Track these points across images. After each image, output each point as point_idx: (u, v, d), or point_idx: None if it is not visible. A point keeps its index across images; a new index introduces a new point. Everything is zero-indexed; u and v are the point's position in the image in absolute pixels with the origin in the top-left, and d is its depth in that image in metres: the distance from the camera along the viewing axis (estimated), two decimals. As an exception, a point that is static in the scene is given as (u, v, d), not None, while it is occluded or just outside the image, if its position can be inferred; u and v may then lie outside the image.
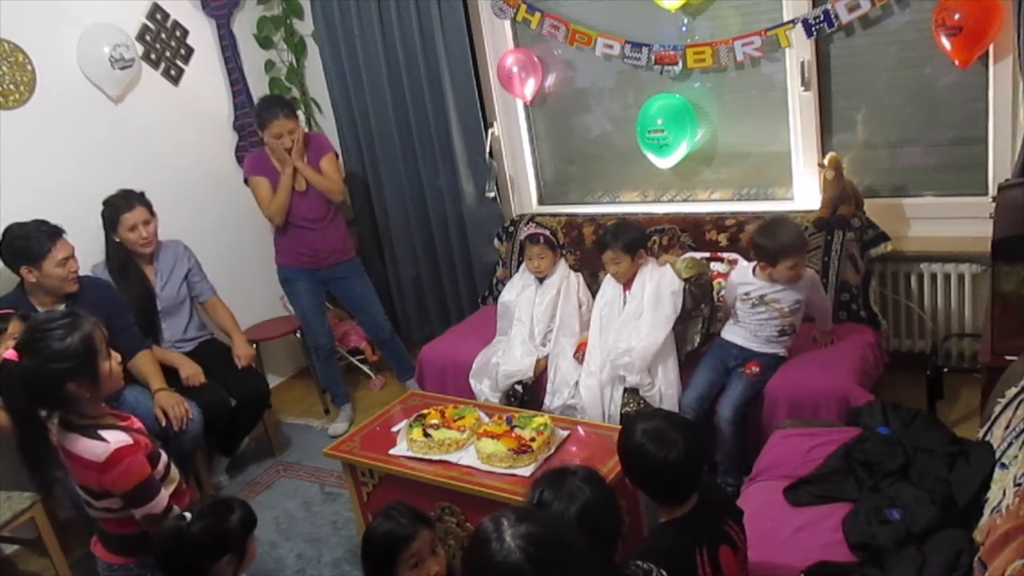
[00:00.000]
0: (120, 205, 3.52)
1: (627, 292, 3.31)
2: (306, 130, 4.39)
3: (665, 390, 3.18)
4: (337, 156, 4.00)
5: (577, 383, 3.34)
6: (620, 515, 1.81)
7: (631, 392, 3.21)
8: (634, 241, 3.29)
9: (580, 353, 3.39)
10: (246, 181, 3.89)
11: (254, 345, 4.08)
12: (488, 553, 1.37)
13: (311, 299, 4.02)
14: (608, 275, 3.39)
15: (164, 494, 2.18)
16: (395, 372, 4.28)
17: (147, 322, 3.60)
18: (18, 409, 2.08)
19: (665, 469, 1.84)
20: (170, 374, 3.49)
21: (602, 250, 3.32)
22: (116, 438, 2.10)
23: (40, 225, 3.18)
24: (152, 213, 3.59)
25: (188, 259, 3.78)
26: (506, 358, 3.52)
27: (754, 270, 3.08)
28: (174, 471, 2.29)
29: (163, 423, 3.26)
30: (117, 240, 3.55)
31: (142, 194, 3.58)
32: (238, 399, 3.63)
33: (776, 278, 3.01)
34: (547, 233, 3.66)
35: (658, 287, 3.22)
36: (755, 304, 3.07)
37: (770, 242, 2.99)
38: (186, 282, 3.75)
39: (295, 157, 3.74)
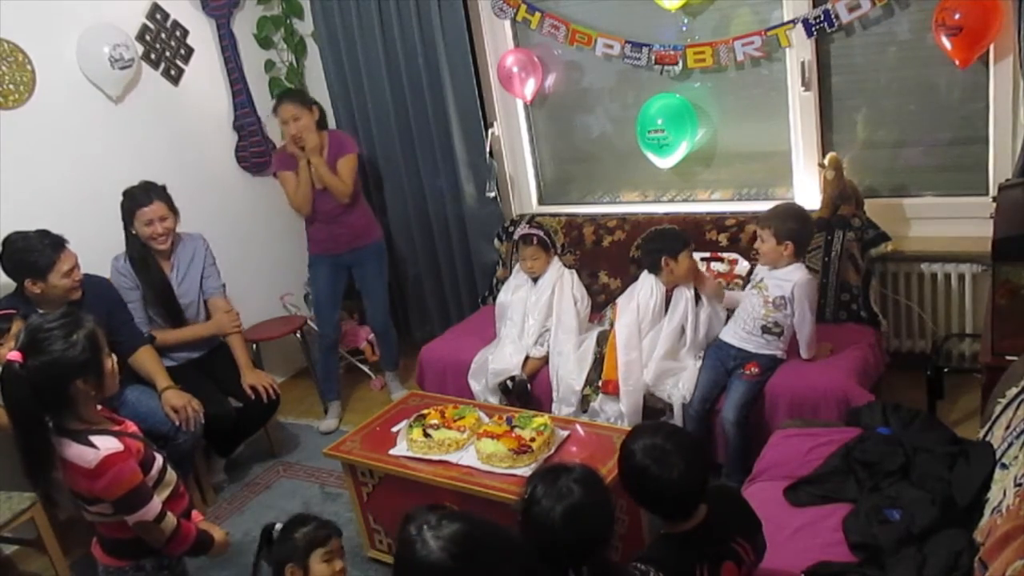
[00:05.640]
0: (138, 198, 3.42)
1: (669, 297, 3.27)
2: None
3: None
4: (361, 154, 4.04)
5: (584, 395, 3.32)
6: (613, 517, 1.78)
7: None
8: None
9: (610, 385, 3.26)
10: (275, 175, 3.99)
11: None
12: (411, 553, 1.43)
13: (327, 288, 4.06)
14: (648, 281, 3.31)
15: (156, 501, 2.15)
16: (380, 361, 4.34)
17: (171, 314, 3.55)
18: (22, 410, 2.06)
19: (670, 488, 1.81)
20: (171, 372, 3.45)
21: (675, 253, 3.19)
22: (106, 444, 2.08)
23: (43, 236, 3.07)
24: (172, 209, 3.49)
25: (206, 252, 3.67)
26: (496, 357, 3.53)
27: None
28: (170, 474, 2.26)
29: (176, 423, 3.23)
30: (134, 232, 3.46)
31: (163, 188, 3.48)
32: (246, 405, 3.57)
33: (762, 251, 3.07)
34: (540, 234, 3.66)
35: (710, 317, 3.25)
36: (754, 284, 3.13)
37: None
38: (203, 279, 3.64)
39: (309, 152, 3.76)
